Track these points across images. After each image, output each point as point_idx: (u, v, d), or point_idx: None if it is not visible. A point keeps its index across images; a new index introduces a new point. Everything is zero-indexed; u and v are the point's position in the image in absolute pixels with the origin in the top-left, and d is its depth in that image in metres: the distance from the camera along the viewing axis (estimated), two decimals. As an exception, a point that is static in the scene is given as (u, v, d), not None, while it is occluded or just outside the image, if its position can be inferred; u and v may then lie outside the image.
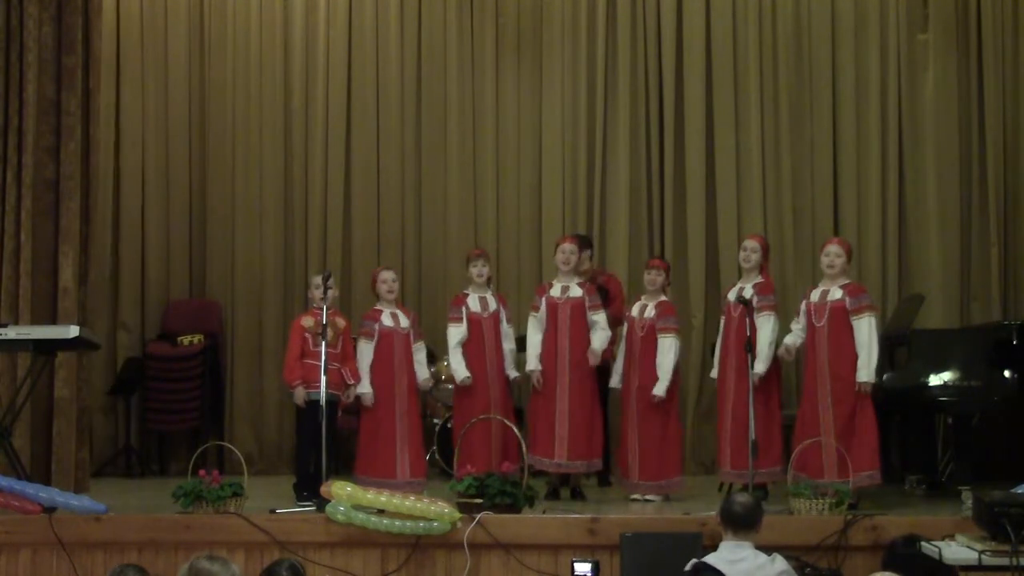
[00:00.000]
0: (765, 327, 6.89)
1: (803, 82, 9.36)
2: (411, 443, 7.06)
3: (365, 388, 7.05)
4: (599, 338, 7.23)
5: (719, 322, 7.32)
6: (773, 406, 7.02)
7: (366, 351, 7.11)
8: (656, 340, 7.10)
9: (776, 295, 7.18)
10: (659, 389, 7.02)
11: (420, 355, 7.24)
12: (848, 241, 7.26)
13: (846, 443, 6.49)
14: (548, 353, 7.24)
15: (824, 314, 6.71)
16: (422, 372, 7.22)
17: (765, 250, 7.21)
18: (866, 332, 6.64)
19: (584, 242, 7.85)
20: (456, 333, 7.26)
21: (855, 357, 6.62)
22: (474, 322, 7.27)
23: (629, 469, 7.10)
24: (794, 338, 6.87)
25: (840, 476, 6.38)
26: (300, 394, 6.97)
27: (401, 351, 7.12)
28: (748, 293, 6.92)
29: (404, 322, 7.18)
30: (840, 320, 6.68)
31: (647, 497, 7.05)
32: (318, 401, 6.64)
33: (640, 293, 7.47)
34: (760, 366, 6.78)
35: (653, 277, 7.25)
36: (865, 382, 6.60)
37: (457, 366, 7.24)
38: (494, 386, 7.22)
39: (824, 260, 6.84)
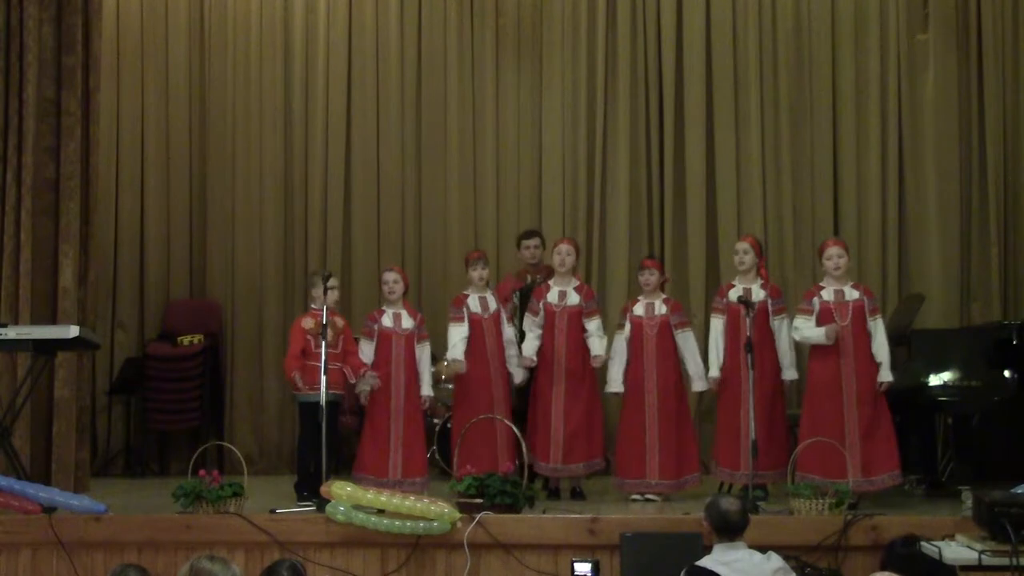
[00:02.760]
0: (783, 331, 6.98)
1: (803, 82, 9.36)
2: (406, 443, 7.04)
3: (364, 385, 7.05)
4: (597, 343, 7.26)
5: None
6: (780, 407, 7.05)
7: (366, 351, 7.12)
8: (670, 336, 7.14)
9: (784, 297, 7.22)
10: (699, 386, 7.20)
11: (424, 362, 7.22)
12: (844, 240, 7.28)
13: (869, 444, 6.53)
14: (545, 358, 7.26)
15: (848, 313, 6.75)
16: (425, 386, 7.19)
17: (758, 250, 7.22)
18: (883, 332, 6.80)
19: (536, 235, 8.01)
20: (459, 331, 7.24)
21: (872, 356, 6.73)
22: (475, 323, 7.28)
23: (648, 469, 7.05)
24: (819, 331, 6.85)
25: (864, 475, 6.46)
26: (298, 378, 6.91)
27: (400, 352, 7.12)
28: (758, 295, 6.94)
29: (407, 323, 7.18)
30: (861, 319, 6.77)
31: (648, 497, 7.05)
32: (318, 401, 6.64)
33: (638, 294, 7.46)
34: (791, 372, 6.99)
35: (647, 278, 7.25)
36: (889, 381, 6.72)
37: (457, 354, 7.20)
38: (496, 387, 7.22)
39: (828, 264, 6.86)
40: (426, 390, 7.21)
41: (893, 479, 6.70)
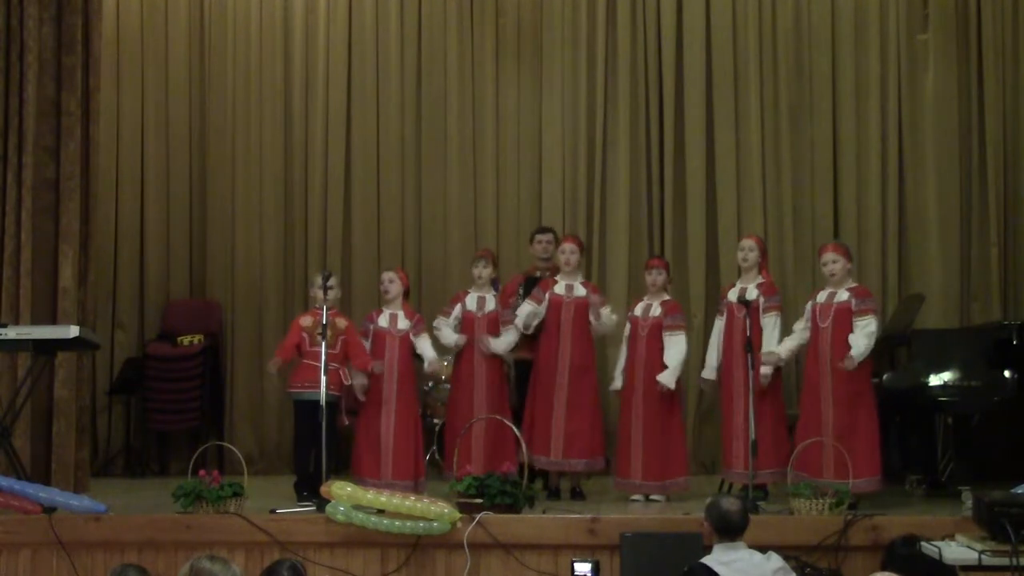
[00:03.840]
0: (770, 328, 6.94)
1: (803, 82, 9.36)
2: (398, 444, 7.03)
3: (361, 379, 7.05)
4: (607, 320, 7.28)
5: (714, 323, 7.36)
6: (779, 407, 7.04)
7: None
8: (660, 338, 7.12)
9: (780, 295, 7.20)
10: (666, 378, 7.01)
11: (425, 347, 7.26)
12: (843, 244, 7.25)
13: (847, 445, 6.50)
14: (548, 351, 7.26)
15: (829, 315, 6.74)
16: (429, 353, 7.23)
17: (762, 249, 7.22)
18: (864, 331, 6.63)
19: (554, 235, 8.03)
20: (443, 321, 7.32)
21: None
22: (468, 320, 7.30)
23: (632, 469, 7.08)
24: (792, 342, 6.88)
25: (838, 477, 6.40)
26: (274, 364, 7.01)
27: (393, 353, 7.12)
28: (752, 294, 6.94)
29: (402, 324, 7.19)
30: (844, 321, 6.71)
31: (652, 497, 7.05)
32: (317, 401, 6.63)
33: (640, 294, 7.48)
34: (765, 368, 6.85)
35: (655, 278, 7.25)
36: (854, 359, 6.54)
37: (447, 337, 7.28)
38: (480, 386, 7.22)
39: (824, 269, 6.88)
40: (430, 355, 7.23)
41: (871, 484, 6.60)
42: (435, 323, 7.39)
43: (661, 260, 7.55)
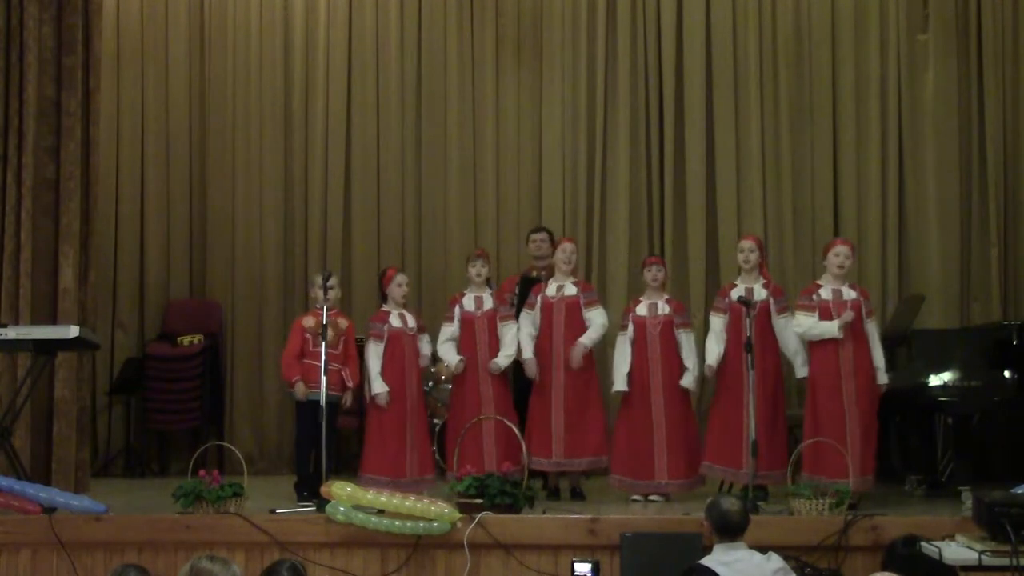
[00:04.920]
0: (789, 330, 6.95)
1: (803, 82, 9.36)
2: (419, 441, 7.09)
3: (380, 388, 7.04)
4: (590, 333, 7.22)
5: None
6: (781, 408, 7.05)
7: (375, 352, 7.11)
8: (673, 335, 7.12)
9: (786, 297, 7.21)
10: (688, 381, 7.09)
11: (424, 345, 7.27)
12: (851, 242, 7.28)
13: (863, 443, 6.57)
14: (543, 351, 7.24)
15: (847, 312, 6.74)
16: (425, 350, 7.25)
17: (761, 249, 7.22)
18: (877, 335, 6.83)
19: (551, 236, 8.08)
20: (446, 331, 7.32)
21: (870, 356, 6.74)
22: (467, 321, 7.30)
23: (657, 470, 7.02)
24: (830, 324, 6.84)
25: (863, 474, 6.46)
26: (301, 389, 6.98)
27: (410, 351, 7.14)
28: (760, 295, 6.93)
29: (411, 322, 7.20)
30: (859, 319, 6.76)
31: (651, 497, 7.04)
32: (318, 401, 6.64)
33: (638, 294, 7.47)
34: (804, 369, 6.92)
35: (655, 274, 7.24)
36: (886, 383, 6.78)
37: (447, 355, 7.27)
38: (484, 385, 7.21)
39: (834, 260, 6.84)
40: (425, 351, 7.27)
41: (866, 484, 6.63)
42: (441, 332, 7.36)
43: (659, 258, 7.56)
